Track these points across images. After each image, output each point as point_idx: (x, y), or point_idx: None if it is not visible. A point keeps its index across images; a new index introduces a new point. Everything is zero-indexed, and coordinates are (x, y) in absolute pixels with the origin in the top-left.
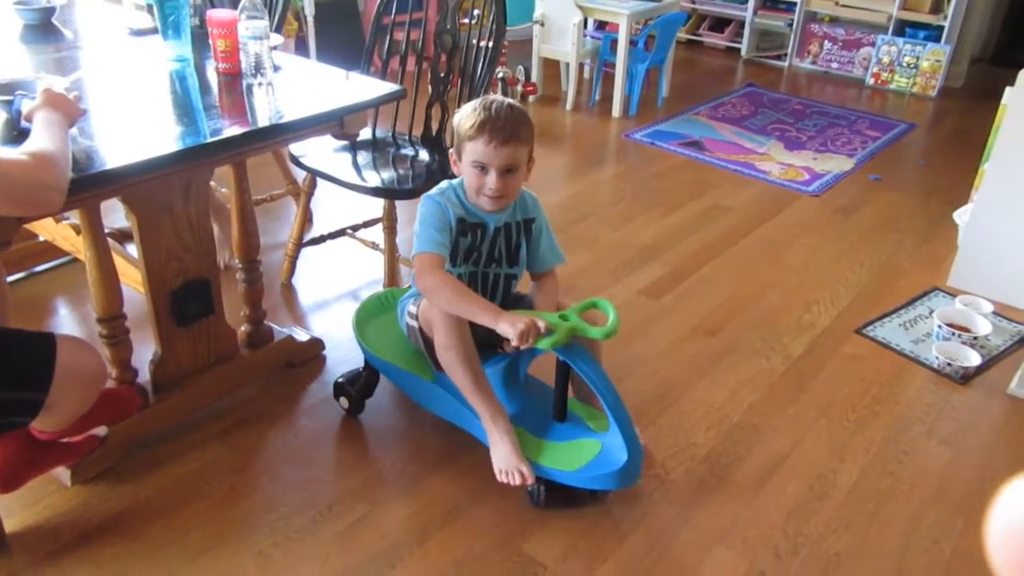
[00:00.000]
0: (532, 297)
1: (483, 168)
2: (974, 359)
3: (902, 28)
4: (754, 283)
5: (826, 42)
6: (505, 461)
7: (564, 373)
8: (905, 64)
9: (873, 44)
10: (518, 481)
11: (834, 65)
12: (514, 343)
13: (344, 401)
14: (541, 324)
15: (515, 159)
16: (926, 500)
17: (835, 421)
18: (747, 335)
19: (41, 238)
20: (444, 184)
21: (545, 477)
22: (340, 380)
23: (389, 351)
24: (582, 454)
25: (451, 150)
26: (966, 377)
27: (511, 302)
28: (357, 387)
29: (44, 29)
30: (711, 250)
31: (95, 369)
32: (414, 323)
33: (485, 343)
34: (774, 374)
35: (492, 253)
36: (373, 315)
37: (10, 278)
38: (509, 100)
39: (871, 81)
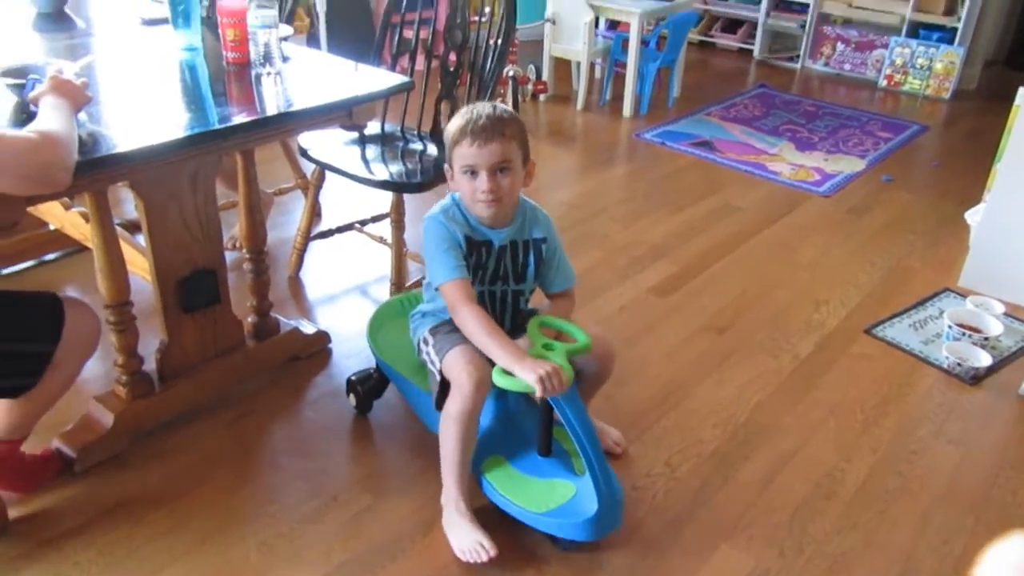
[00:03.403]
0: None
1: (473, 172)
2: (985, 360)
3: (916, 30)
4: (763, 282)
5: (839, 44)
6: (465, 539)
7: (549, 406)
8: (918, 66)
9: (886, 46)
10: (483, 558)
11: (847, 67)
12: (538, 393)
13: (353, 399)
14: (565, 376)
15: (503, 156)
16: (935, 500)
17: (843, 420)
18: (756, 334)
19: (51, 227)
20: (446, 201)
21: (508, 514)
22: (352, 378)
23: (397, 359)
24: (553, 496)
25: (445, 166)
26: (976, 378)
27: (523, 319)
28: (367, 387)
29: (57, 17)
30: (720, 249)
31: (96, 327)
32: (430, 363)
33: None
34: (782, 373)
35: (497, 271)
36: (388, 320)
37: (21, 266)
38: (494, 103)
39: (884, 83)
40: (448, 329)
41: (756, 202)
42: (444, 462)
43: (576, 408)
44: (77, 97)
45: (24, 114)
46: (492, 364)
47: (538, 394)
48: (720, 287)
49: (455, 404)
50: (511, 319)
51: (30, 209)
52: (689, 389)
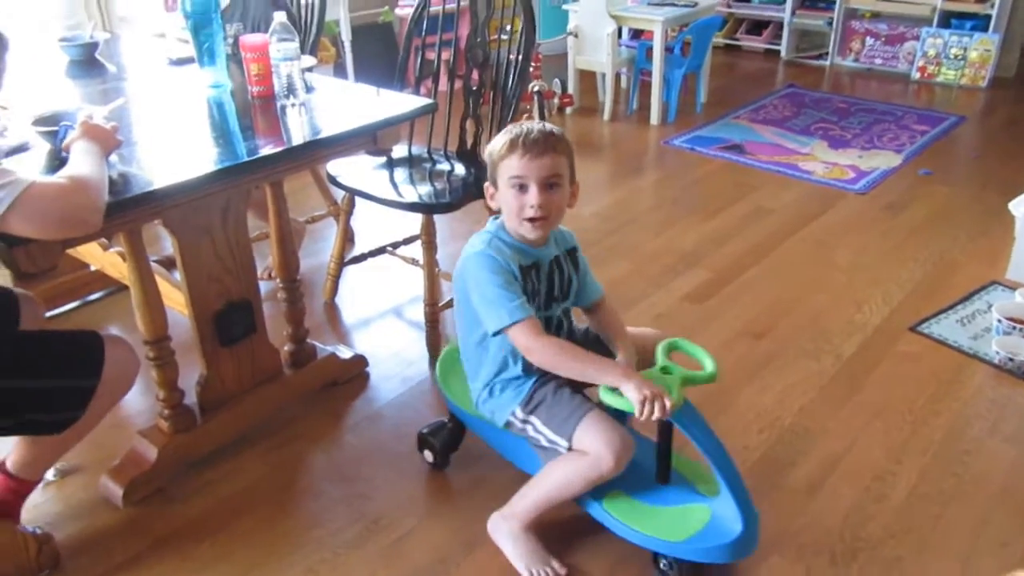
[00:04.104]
0: (596, 333)
1: (522, 186)
2: None
3: (947, 19)
4: (801, 284)
5: (868, 38)
6: (535, 560)
7: (667, 430)
8: (952, 56)
9: (917, 38)
10: None
11: (877, 61)
12: (636, 415)
13: (428, 455)
14: (668, 402)
15: (554, 170)
16: (992, 501)
17: (891, 422)
18: (796, 337)
19: (92, 267)
20: (484, 236)
21: (646, 548)
22: (424, 432)
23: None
24: (690, 522)
25: (486, 183)
26: None
27: (581, 340)
28: (442, 439)
29: (88, 64)
30: (755, 253)
31: (134, 365)
32: (546, 441)
33: (585, 385)
34: (825, 376)
35: (551, 291)
36: (455, 364)
37: (64, 307)
38: (543, 123)
39: (917, 75)
40: (546, 394)
41: (789, 203)
42: (544, 494)
43: (701, 427)
44: (108, 141)
45: (57, 160)
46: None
47: (636, 416)
48: (756, 291)
49: (594, 471)
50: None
51: (70, 251)
52: (731, 396)
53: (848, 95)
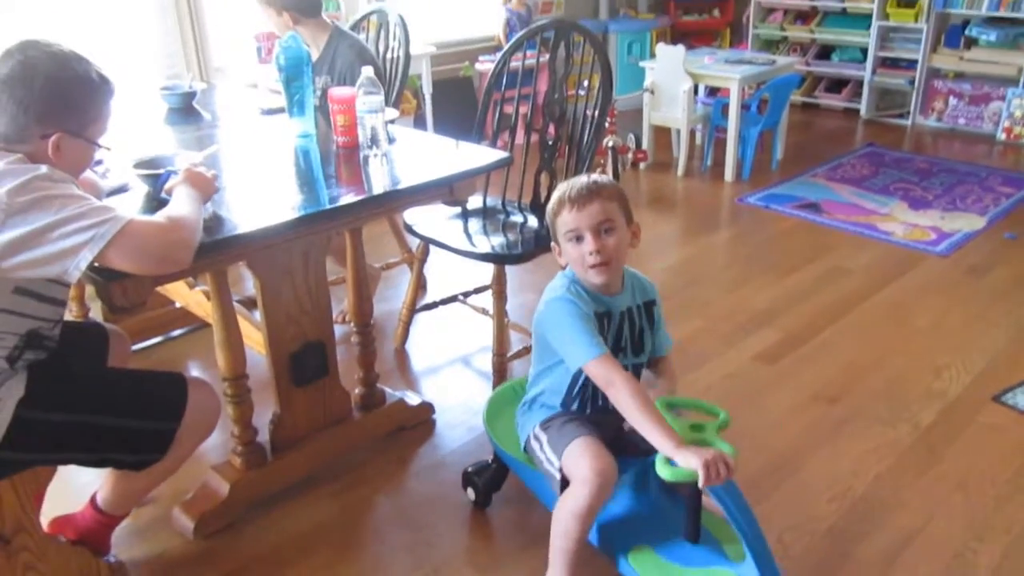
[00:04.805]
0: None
1: (578, 237)
2: None
3: None
4: (878, 348)
5: (951, 98)
6: None
7: (695, 491)
8: None
9: (1003, 98)
10: None
11: (961, 121)
12: (702, 482)
13: (471, 492)
14: (731, 460)
15: (604, 215)
16: None
17: (973, 496)
18: (871, 403)
19: (177, 304)
20: (564, 281)
21: None
22: (468, 471)
23: (519, 447)
24: None
25: (552, 244)
26: None
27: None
28: (485, 479)
29: (186, 112)
30: (831, 314)
31: (216, 410)
32: (546, 462)
33: (617, 445)
34: (902, 444)
35: (619, 342)
36: (503, 407)
37: (149, 342)
38: (590, 174)
39: (1002, 136)
40: (562, 421)
41: (867, 264)
42: (558, 556)
43: (733, 492)
44: (207, 187)
45: (155, 202)
46: (616, 456)
47: (701, 483)
48: (831, 353)
49: (577, 502)
50: None
51: (158, 288)
52: (801, 461)
53: (930, 155)
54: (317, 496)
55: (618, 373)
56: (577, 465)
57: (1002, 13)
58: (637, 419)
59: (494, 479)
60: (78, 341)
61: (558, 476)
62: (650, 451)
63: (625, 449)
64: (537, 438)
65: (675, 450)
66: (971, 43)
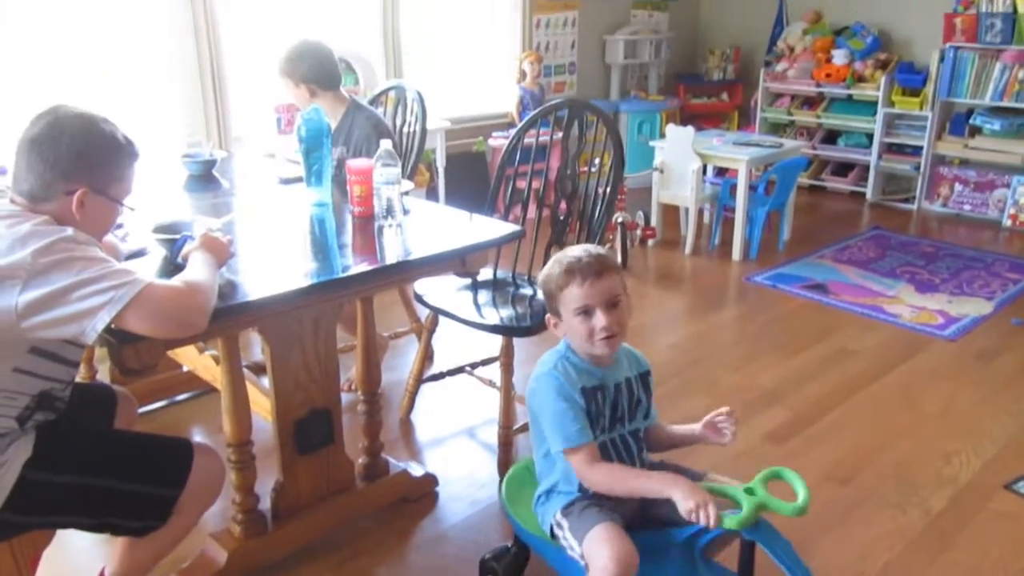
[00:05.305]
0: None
1: (587, 312)
2: None
3: None
4: (887, 430)
5: (957, 184)
6: None
7: (749, 555)
8: None
9: (1008, 185)
10: None
11: (966, 207)
12: (685, 515)
13: None
14: (713, 511)
15: (613, 290)
16: None
17: None
18: (880, 486)
19: (185, 368)
20: (554, 356)
21: None
22: (487, 558)
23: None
24: None
25: (547, 316)
26: None
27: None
28: (505, 564)
29: (205, 179)
30: (838, 395)
31: (221, 477)
32: (569, 549)
33: (655, 519)
34: (913, 530)
35: (615, 413)
36: (521, 487)
37: (154, 405)
38: (583, 245)
39: (1008, 223)
40: (583, 506)
41: (874, 346)
42: None
43: (787, 548)
44: (222, 254)
45: (171, 267)
46: (641, 530)
47: (684, 515)
48: (840, 435)
49: None
50: (641, 467)
51: (168, 352)
52: (810, 545)
53: (936, 239)
54: (317, 567)
55: (593, 463)
56: (597, 552)
57: (1006, 103)
58: (628, 489)
59: (515, 564)
60: (86, 402)
61: (582, 563)
62: (676, 520)
63: (650, 522)
64: (560, 524)
65: (668, 486)
66: (976, 131)
